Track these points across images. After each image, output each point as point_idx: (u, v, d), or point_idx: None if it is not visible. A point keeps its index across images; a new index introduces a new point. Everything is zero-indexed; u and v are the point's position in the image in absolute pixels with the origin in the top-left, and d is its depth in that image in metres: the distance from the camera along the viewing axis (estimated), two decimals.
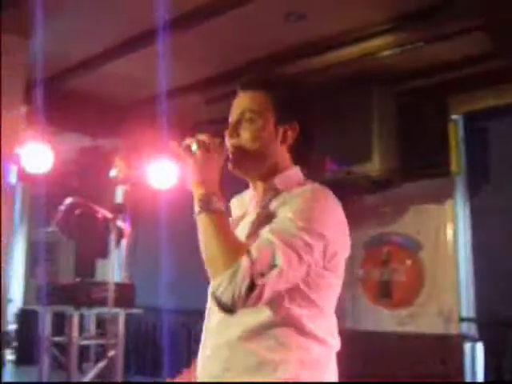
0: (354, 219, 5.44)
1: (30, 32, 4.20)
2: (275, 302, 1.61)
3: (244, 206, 1.88)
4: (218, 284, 1.53)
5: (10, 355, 7.55)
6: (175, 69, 4.47)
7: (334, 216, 1.69)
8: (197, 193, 1.66)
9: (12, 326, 7.64)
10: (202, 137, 1.72)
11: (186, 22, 3.91)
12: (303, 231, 1.58)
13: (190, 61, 4.60)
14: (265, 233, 1.59)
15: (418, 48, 4.25)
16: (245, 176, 1.85)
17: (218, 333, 1.71)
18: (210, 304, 1.75)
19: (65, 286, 4.88)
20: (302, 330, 1.64)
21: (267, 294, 1.53)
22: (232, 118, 1.82)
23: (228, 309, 1.54)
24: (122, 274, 6.64)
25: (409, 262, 5.41)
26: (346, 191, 5.21)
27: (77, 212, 4.63)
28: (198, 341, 1.82)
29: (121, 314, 4.79)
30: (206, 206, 1.63)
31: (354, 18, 3.96)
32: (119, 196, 6.93)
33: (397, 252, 5.47)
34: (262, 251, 1.54)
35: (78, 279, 4.99)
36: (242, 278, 1.50)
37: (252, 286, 1.50)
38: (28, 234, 8.20)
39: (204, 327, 1.80)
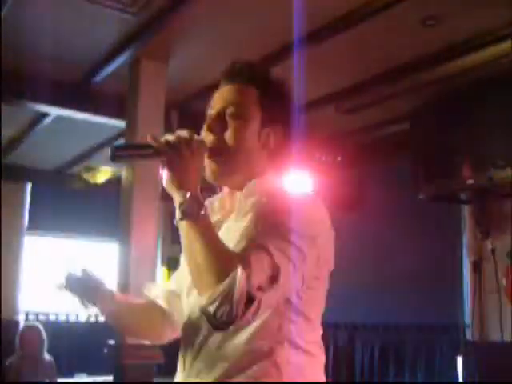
0: (495, 227, 5.30)
1: (168, 57, 4.39)
2: (265, 318, 1.44)
3: (214, 212, 1.65)
4: (212, 300, 1.32)
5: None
6: (308, 82, 4.50)
7: (324, 222, 1.52)
8: (177, 196, 1.42)
9: None
10: (184, 133, 1.47)
11: (319, 35, 3.94)
12: (295, 235, 1.39)
13: (323, 73, 4.62)
14: (255, 238, 1.39)
15: None
16: (220, 181, 1.63)
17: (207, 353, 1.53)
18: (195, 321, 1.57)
19: None
20: (294, 346, 1.48)
21: (264, 308, 1.36)
22: (212, 112, 1.59)
23: (222, 326, 1.35)
24: None
25: None
26: (487, 198, 5.05)
27: None
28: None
29: None
30: (190, 211, 1.39)
31: (491, 19, 3.83)
32: None
33: None
34: (258, 261, 1.34)
35: None
36: (240, 292, 1.29)
37: (250, 301, 1.32)
38: (164, 250, 8.50)
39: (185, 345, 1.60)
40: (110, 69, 4.63)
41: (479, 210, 5.29)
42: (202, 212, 1.40)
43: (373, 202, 5.87)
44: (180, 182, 1.43)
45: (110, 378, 4.62)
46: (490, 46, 4.05)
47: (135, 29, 4.07)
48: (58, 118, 5.49)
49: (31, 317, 7.61)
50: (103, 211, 7.21)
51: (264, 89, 1.60)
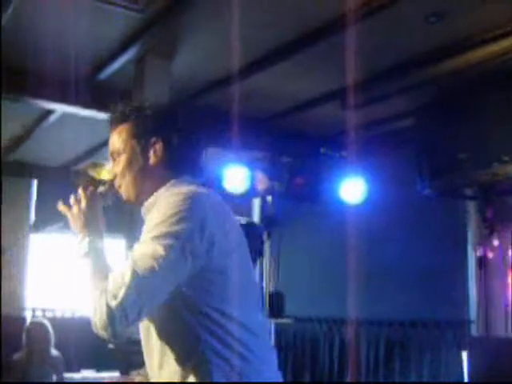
0: (501, 222, 5.29)
1: (173, 53, 4.40)
2: (175, 316, 1.62)
3: None
4: (93, 320, 1.55)
5: None
6: (313, 79, 4.52)
7: (190, 215, 1.61)
8: (77, 240, 1.75)
9: None
10: (79, 190, 1.83)
11: (324, 32, 3.95)
12: (154, 239, 1.56)
13: (328, 70, 4.63)
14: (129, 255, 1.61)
15: None
16: (133, 202, 1.88)
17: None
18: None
19: None
20: (216, 339, 1.61)
21: (134, 313, 1.51)
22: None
23: (111, 339, 1.55)
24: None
25: None
26: (492, 194, 5.06)
27: None
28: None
29: (271, 323, 4.84)
30: (82, 251, 1.71)
31: (494, 15, 3.83)
32: (256, 207, 7.06)
33: None
34: (114, 274, 1.56)
35: None
36: (99, 307, 1.51)
37: (110, 312, 1.49)
38: None
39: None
40: (115, 66, 4.65)
41: (484, 206, 5.30)
42: (97, 248, 1.74)
43: (378, 197, 5.87)
44: (82, 228, 1.79)
45: (117, 374, 4.64)
46: (494, 42, 4.05)
47: (140, 26, 4.08)
48: (64, 115, 5.50)
49: (38, 313, 7.64)
50: (109, 207, 7.23)
51: (135, 120, 1.83)
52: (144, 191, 1.81)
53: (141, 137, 1.81)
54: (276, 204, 5.32)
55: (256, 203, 7.03)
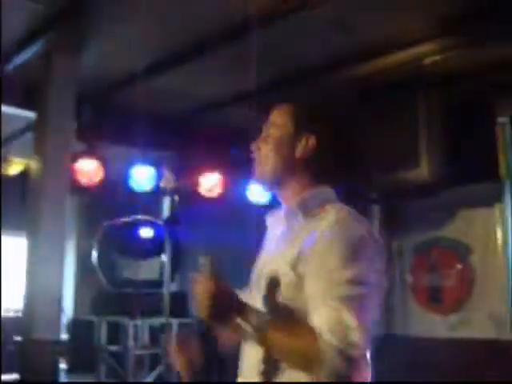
0: (403, 225, 5.45)
1: (80, 49, 4.31)
2: None
3: (277, 223, 1.77)
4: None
5: (62, 364, 7.66)
6: (222, 81, 4.55)
7: (373, 253, 1.60)
8: (246, 322, 1.56)
9: (63, 336, 7.76)
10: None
11: (232, 34, 3.98)
12: (355, 286, 1.50)
13: (236, 72, 4.65)
14: (320, 298, 1.50)
15: (463, 52, 4.23)
16: (269, 189, 1.83)
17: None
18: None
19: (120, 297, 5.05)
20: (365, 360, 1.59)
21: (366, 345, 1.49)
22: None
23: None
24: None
25: (459, 266, 5.36)
26: (393, 198, 5.22)
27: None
28: None
29: (174, 323, 4.85)
30: (260, 327, 1.53)
31: (399, 25, 3.96)
32: (166, 206, 7.00)
33: (446, 257, 5.42)
34: (336, 327, 1.45)
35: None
36: (338, 362, 1.42)
37: (350, 360, 1.44)
38: (77, 246, 8.29)
39: None
40: (21, 59, 4.52)
41: (386, 210, 5.46)
42: (267, 320, 1.55)
43: None
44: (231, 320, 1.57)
45: (16, 377, 4.52)
46: (397, 51, 4.20)
47: (47, 19, 3.99)
48: None
49: None
50: (13, 203, 7.00)
51: (298, 103, 1.78)
52: (279, 177, 1.73)
53: (300, 124, 1.73)
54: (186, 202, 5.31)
55: (166, 202, 6.97)
